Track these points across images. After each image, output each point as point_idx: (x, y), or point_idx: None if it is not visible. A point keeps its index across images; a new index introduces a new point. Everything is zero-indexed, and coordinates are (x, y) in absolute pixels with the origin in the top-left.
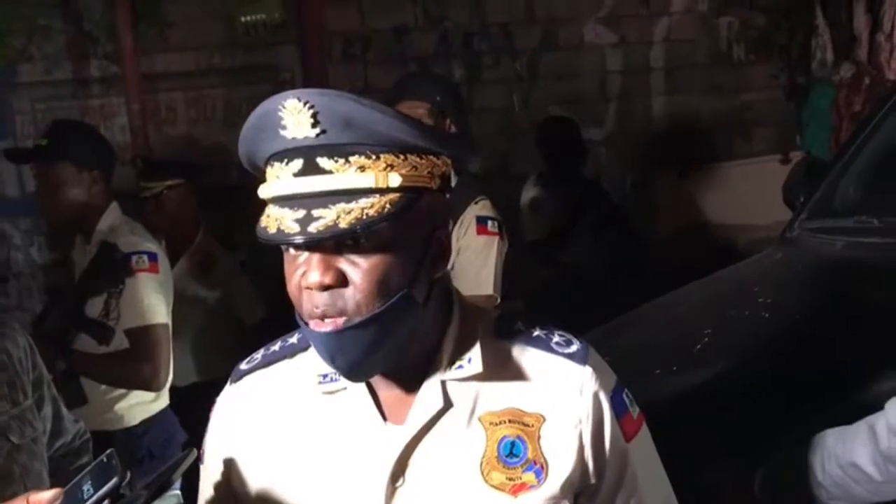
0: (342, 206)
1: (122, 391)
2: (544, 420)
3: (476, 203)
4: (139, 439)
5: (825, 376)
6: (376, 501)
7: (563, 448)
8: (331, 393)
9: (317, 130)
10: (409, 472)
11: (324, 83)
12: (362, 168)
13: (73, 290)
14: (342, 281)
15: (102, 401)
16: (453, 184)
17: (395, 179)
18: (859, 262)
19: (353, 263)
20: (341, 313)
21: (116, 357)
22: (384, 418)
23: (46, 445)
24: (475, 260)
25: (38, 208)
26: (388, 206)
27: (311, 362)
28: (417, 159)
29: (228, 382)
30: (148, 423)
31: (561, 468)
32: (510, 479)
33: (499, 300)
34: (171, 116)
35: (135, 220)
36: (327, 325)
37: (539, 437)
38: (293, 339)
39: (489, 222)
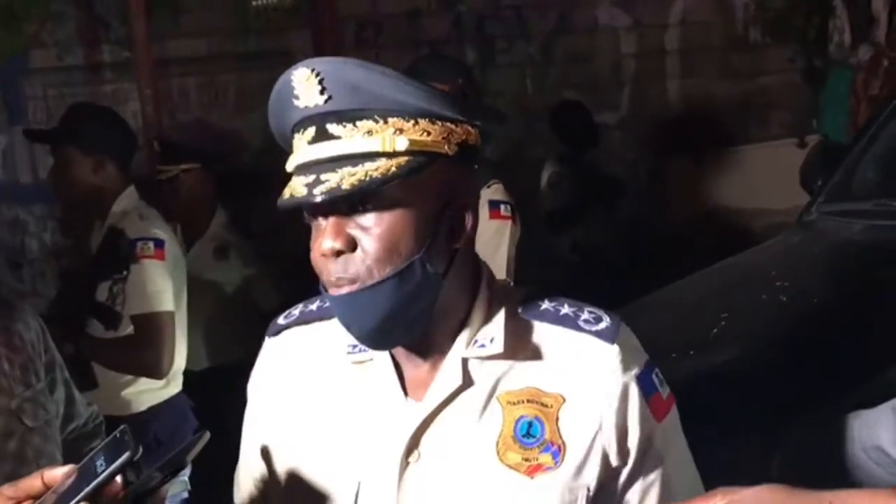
0: (348, 169)
1: (132, 377)
2: (564, 401)
3: (489, 187)
4: (147, 425)
5: (844, 359)
6: (390, 475)
7: (583, 430)
8: (359, 363)
9: (325, 97)
10: (423, 448)
11: None
12: (370, 132)
13: (84, 274)
14: (353, 246)
15: (112, 385)
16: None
17: (402, 143)
18: (878, 245)
19: (364, 228)
20: (353, 279)
21: (121, 342)
22: (406, 393)
23: (59, 429)
24: (488, 244)
25: (52, 193)
26: (393, 168)
27: (344, 330)
28: (429, 124)
29: (267, 335)
30: (157, 410)
31: (579, 450)
32: (526, 460)
33: (511, 285)
34: (184, 102)
35: (150, 206)
36: (342, 290)
37: (557, 419)
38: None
39: (502, 206)
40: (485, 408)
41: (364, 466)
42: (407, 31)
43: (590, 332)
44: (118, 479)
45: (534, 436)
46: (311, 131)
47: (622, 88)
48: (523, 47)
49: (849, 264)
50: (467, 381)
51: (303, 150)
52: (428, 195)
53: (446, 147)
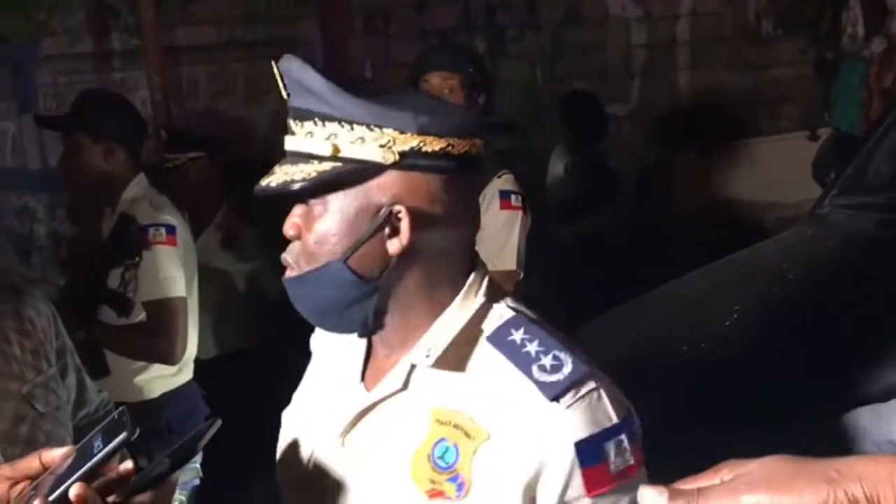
0: (288, 167)
1: (144, 364)
2: (488, 438)
3: (499, 177)
4: (159, 412)
5: (856, 354)
6: (331, 450)
7: (496, 475)
8: (349, 343)
9: (287, 94)
10: (353, 435)
11: (345, 57)
12: (310, 134)
13: (95, 261)
14: (299, 235)
15: (124, 372)
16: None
17: (327, 148)
18: (891, 239)
19: (305, 222)
20: (292, 265)
21: (134, 329)
22: (363, 378)
23: (70, 415)
24: (498, 235)
25: (62, 179)
26: (314, 173)
27: None
28: (367, 131)
29: None
30: (168, 397)
31: (485, 493)
32: (432, 482)
33: (521, 275)
34: (193, 90)
35: (160, 193)
36: (286, 272)
37: (474, 453)
38: None
39: (512, 196)
40: (414, 417)
41: (318, 437)
42: (416, 21)
43: (535, 380)
44: (129, 464)
45: (447, 462)
46: (289, 122)
47: (632, 80)
48: (533, 37)
49: (861, 258)
50: (405, 386)
51: (286, 139)
52: (361, 200)
53: (383, 155)
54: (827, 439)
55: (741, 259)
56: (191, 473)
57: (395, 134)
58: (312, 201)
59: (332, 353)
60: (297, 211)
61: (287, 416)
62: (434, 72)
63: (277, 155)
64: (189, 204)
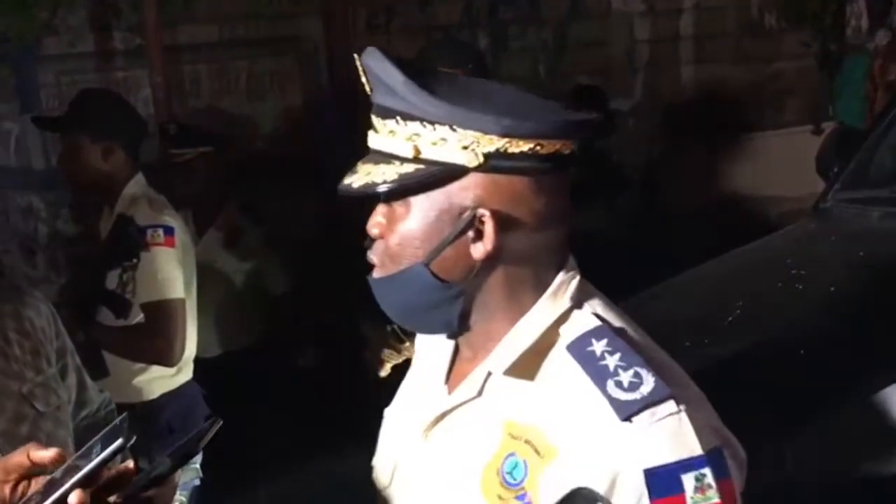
0: (370, 166)
1: (143, 365)
2: (557, 457)
3: None
4: (159, 413)
5: (860, 351)
6: (415, 446)
7: (559, 495)
8: (442, 341)
9: (370, 90)
10: (433, 435)
11: (347, 54)
12: (392, 133)
13: (94, 262)
14: (383, 234)
15: (124, 374)
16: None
17: (408, 149)
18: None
19: (389, 222)
20: (376, 266)
21: (132, 331)
22: (447, 380)
23: (71, 415)
24: None
25: (62, 180)
26: (396, 175)
27: None
28: (449, 131)
29: None
30: (168, 397)
31: None
32: (500, 498)
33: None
34: (195, 88)
35: (158, 192)
36: (371, 272)
37: (542, 472)
38: None
39: None
40: (487, 427)
41: (405, 433)
42: (419, 17)
43: (608, 396)
44: (130, 464)
45: (515, 478)
46: (372, 118)
47: (635, 75)
48: (536, 33)
49: (866, 252)
50: (480, 394)
51: (369, 135)
52: (444, 202)
53: (466, 157)
54: (833, 438)
55: (744, 254)
56: (191, 474)
57: (479, 135)
58: (395, 202)
59: (430, 349)
60: (381, 210)
61: (388, 413)
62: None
63: (280, 151)
64: (193, 201)
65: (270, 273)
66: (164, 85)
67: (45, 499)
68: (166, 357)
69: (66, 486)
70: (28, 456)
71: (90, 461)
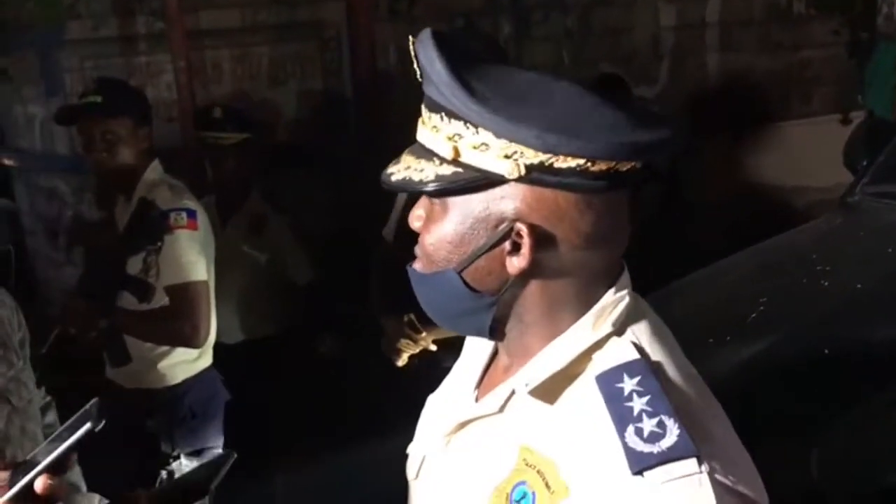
0: (412, 159)
1: (166, 349)
2: (567, 496)
3: None
4: (182, 398)
5: (888, 350)
6: (438, 447)
7: None
8: (484, 341)
9: (422, 80)
10: (455, 440)
11: (369, 40)
12: (436, 129)
13: (115, 248)
14: (423, 227)
15: (146, 359)
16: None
17: (448, 150)
18: None
19: (426, 218)
20: (418, 258)
21: (157, 314)
22: (478, 384)
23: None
24: None
25: (91, 167)
26: (434, 175)
27: None
28: (492, 137)
29: None
30: (190, 382)
31: None
32: None
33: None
34: (217, 74)
35: (180, 178)
36: (412, 263)
37: None
38: None
39: None
40: (504, 448)
41: (434, 431)
42: (441, 3)
43: (625, 444)
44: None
45: None
46: (423, 107)
47: (660, 61)
48: (560, 19)
49: (894, 249)
50: (503, 410)
51: (418, 124)
52: (481, 210)
53: (507, 168)
54: (859, 440)
55: (768, 248)
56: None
57: (522, 146)
58: (434, 199)
59: (474, 343)
60: (422, 203)
61: (430, 400)
62: None
63: (302, 138)
64: (219, 187)
65: (294, 262)
66: (186, 70)
67: (13, 484)
68: (192, 339)
69: (34, 471)
70: None
71: (57, 447)
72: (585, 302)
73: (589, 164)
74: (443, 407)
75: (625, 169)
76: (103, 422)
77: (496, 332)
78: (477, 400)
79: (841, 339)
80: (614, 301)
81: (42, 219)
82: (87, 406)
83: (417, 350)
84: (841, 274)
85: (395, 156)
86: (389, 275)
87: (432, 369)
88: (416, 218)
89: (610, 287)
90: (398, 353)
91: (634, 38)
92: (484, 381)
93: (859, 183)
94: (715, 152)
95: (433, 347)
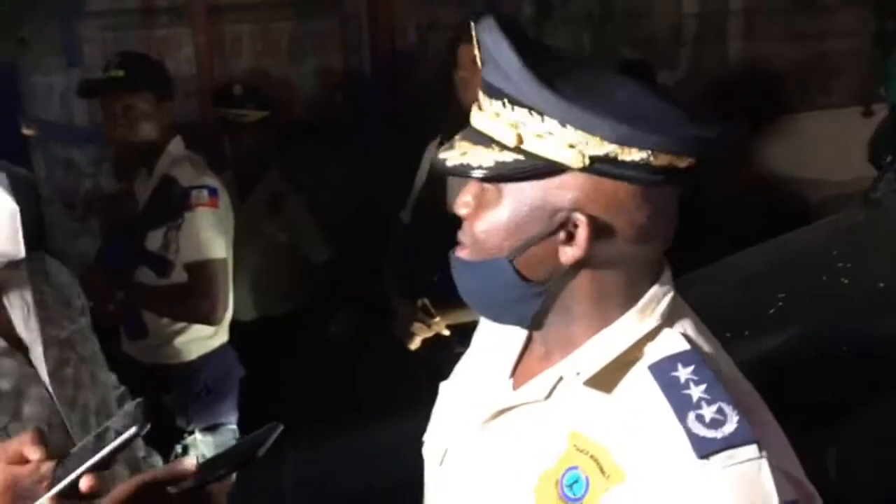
0: (468, 145)
1: (182, 325)
2: (623, 481)
3: None
4: (197, 374)
5: None
6: (471, 436)
7: None
8: (512, 330)
9: (482, 65)
10: (493, 427)
11: (389, 18)
12: (497, 115)
13: (134, 223)
14: (470, 215)
15: (162, 334)
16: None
17: (511, 137)
18: None
19: (476, 205)
20: (464, 246)
21: (175, 290)
22: (513, 373)
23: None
24: None
25: (113, 141)
26: (493, 163)
27: None
28: (558, 126)
29: None
30: (206, 359)
31: None
32: None
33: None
34: (237, 49)
35: (200, 153)
36: (456, 251)
37: (606, 492)
38: None
39: None
40: (552, 433)
41: (463, 419)
42: None
43: (687, 429)
44: (191, 463)
45: (575, 494)
46: (479, 94)
47: (681, 48)
48: (582, 2)
49: None
50: (550, 397)
51: (473, 110)
52: (539, 198)
53: (572, 157)
54: (879, 439)
55: (787, 243)
56: (228, 435)
57: (589, 136)
58: (487, 185)
59: (496, 333)
60: (471, 189)
61: (444, 388)
62: (462, 44)
63: (321, 116)
64: (239, 163)
65: (311, 240)
66: (206, 45)
67: (57, 480)
68: (210, 316)
69: (79, 470)
70: (24, 450)
71: (105, 444)
72: (632, 295)
73: (652, 157)
74: (466, 395)
75: (682, 165)
76: (149, 425)
77: (538, 320)
78: (515, 388)
79: (860, 337)
80: (660, 294)
81: (59, 189)
82: (132, 406)
83: (431, 334)
84: (861, 271)
85: (414, 134)
86: (405, 258)
87: (443, 352)
88: (463, 204)
89: (654, 282)
90: (411, 336)
91: (656, 23)
92: (519, 370)
93: (883, 179)
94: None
95: (446, 332)
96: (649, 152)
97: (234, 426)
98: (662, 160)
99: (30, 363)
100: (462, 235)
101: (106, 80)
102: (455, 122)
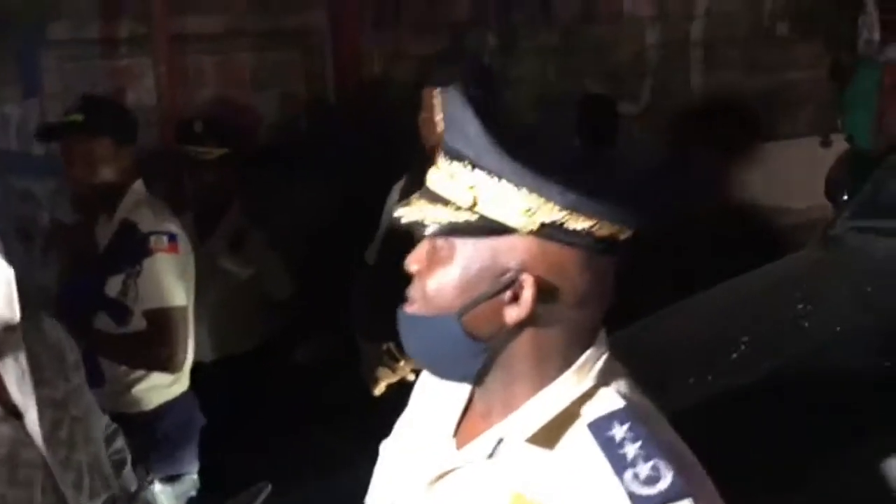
0: (425, 203)
1: (141, 373)
2: None
3: None
4: (156, 423)
5: (872, 399)
6: (417, 497)
7: None
8: (453, 388)
9: (445, 131)
10: (438, 488)
11: (354, 49)
12: (453, 176)
13: (93, 268)
14: (422, 271)
15: (121, 382)
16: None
17: (467, 199)
18: None
19: (431, 263)
20: (412, 301)
21: (134, 338)
22: (456, 432)
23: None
24: None
25: (71, 184)
26: (447, 222)
27: None
28: (513, 189)
29: None
30: (166, 407)
31: None
32: None
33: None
34: (199, 79)
35: (161, 188)
36: (405, 306)
37: None
38: None
39: None
40: (495, 493)
41: (408, 480)
42: (427, 14)
43: (626, 488)
44: None
45: None
46: (438, 156)
47: (644, 79)
48: (546, 34)
49: (879, 287)
50: (492, 456)
51: (430, 171)
52: (488, 257)
53: (522, 222)
54: (850, 487)
55: (748, 283)
56: (189, 485)
57: (541, 202)
58: (441, 242)
59: (437, 390)
60: (425, 246)
61: (385, 447)
62: (427, 87)
63: (285, 146)
64: (199, 202)
65: (274, 277)
66: (168, 75)
67: None
68: (169, 364)
69: None
70: None
71: None
72: (570, 356)
73: (597, 226)
74: (412, 455)
75: (623, 236)
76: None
77: (481, 378)
78: (458, 448)
79: (820, 382)
80: (595, 356)
81: (16, 220)
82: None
83: (396, 379)
84: (821, 314)
85: (377, 165)
86: (370, 300)
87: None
88: (415, 261)
89: (591, 344)
90: (376, 381)
91: (620, 55)
92: (461, 429)
93: (841, 216)
94: (695, 171)
95: (412, 377)
96: (595, 222)
97: (195, 476)
98: (606, 230)
99: (24, 428)
100: (412, 291)
101: (64, 125)
102: (421, 167)
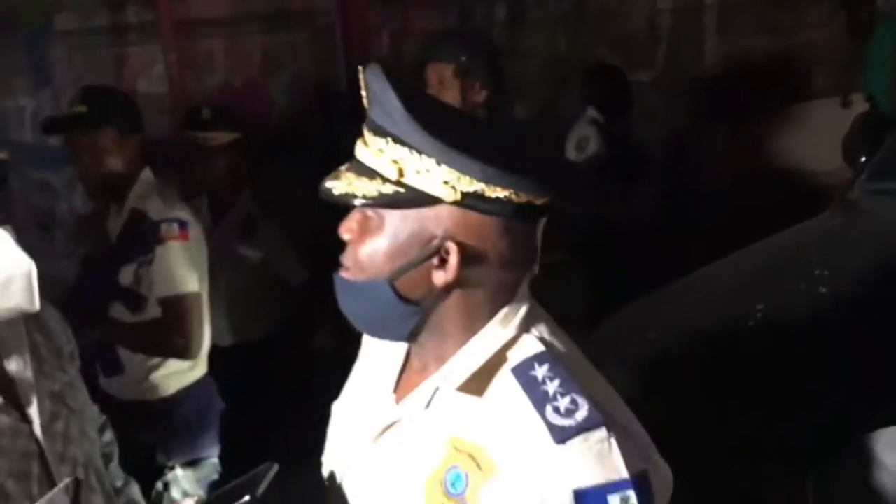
0: (353, 176)
1: (159, 360)
2: (496, 473)
3: None
4: (176, 408)
5: (884, 365)
6: (364, 451)
7: None
8: (392, 347)
9: (369, 104)
10: (382, 441)
11: (363, 29)
12: (381, 151)
13: (107, 258)
14: (356, 238)
15: (139, 370)
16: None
17: (393, 172)
18: None
19: (360, 230)
20: (346, 267)
21: (149, 326)
22: (396, 388)
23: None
24: None
25: (79, 176)
26: (376, 193)
27: None
28: (434, 164)
29: None
30: (184, 393)
31: None
32: None
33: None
34: (209, 64)
35: (173, 176)
36: (339, 272)
37: (483, 485)
38: None
39: None
40: (433, 441)
41: (355, 436)
42: None
43: (546, 421)
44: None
45: (457, 489)
46: (364, 131)
47: (657, 45)
48: (556, 3)
49: (892, 252)
50: (429, 407)
51: (358, 145)
52: (416, 226)
53: (445, 192)
54: (860, 462)
55: (765, 250)
56: (209, 469)
57: (461, 175)
58: (371, 212)
59: (378, 351)
60: (356, 216)
61: (336, 408)
62: (431, 62)
63: (295, 129)
64: (211, 187)
65: (287, 262)
66: (177, 61)
67: None
68: (185, 351)
69: None
70: None
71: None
72: (495, 311)
73: (514, 195)
74: (355, 414)
75: (539, 202)
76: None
77: (414, 337)
78: (397, 402)
79: (839, 347)
80: (515, 308)
81: (35, 212)
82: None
83: None
84: (839, 279)
85: None
86: None
87: None
88: (347, 230)
89: (512, 298)
90: None
91: (631, 21)
92: (400, 385)
93: (859, 180)
94: (714, 137)
95: None
96: (511, 191)
97: (216, 460)
98: (523, 198)
99: (23, 418)
100: (345, 258)
101: (68, 117)
102: None
